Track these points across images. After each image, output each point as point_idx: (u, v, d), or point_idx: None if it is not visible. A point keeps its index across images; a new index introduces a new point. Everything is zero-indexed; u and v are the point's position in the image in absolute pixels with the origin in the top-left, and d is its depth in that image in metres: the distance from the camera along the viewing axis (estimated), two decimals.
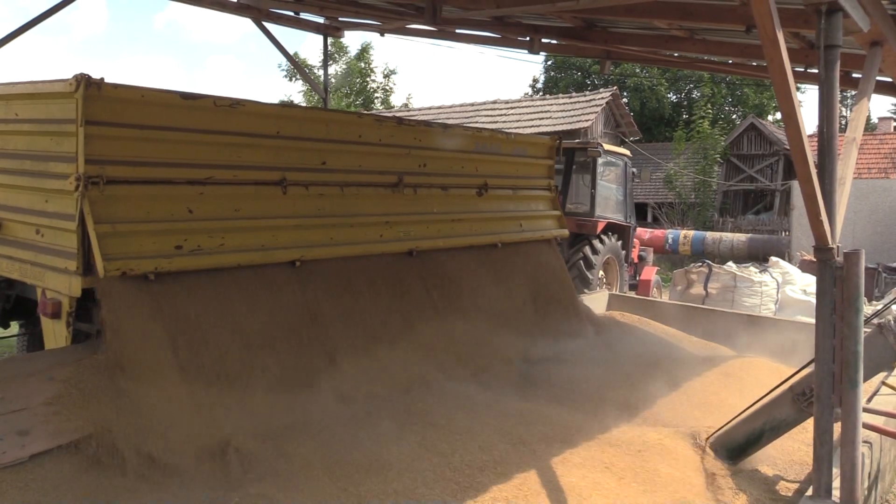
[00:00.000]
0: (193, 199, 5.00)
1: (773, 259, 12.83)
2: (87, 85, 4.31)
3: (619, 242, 11.97)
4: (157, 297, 4.65)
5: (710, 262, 12.33)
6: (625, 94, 32.59)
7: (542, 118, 21.64)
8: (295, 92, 36.29)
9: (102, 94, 4.41)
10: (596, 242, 11.30)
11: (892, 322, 4.33)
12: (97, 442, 3.96)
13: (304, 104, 28.48)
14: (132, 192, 4.68)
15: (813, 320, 3.84)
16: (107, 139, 4.51)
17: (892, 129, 26.89)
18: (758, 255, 15.38)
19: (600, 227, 11.50)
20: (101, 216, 4.45)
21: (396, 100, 36.60)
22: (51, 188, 4.68)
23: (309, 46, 57.84)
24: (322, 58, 10.92)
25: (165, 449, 3.99)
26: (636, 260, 13.36)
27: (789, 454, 4.77)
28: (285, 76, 37.76)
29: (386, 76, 35.80)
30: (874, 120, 30.77)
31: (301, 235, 5.65)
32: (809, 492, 3.82)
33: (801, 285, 11.69)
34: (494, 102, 24.41)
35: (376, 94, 35.19)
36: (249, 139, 5.33)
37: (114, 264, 4.44)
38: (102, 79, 4.40)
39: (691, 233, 19.31)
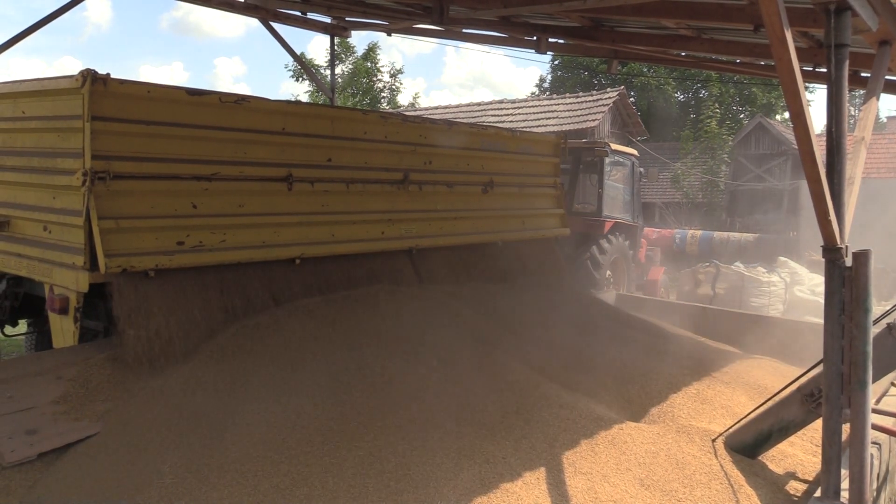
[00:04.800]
0: (198, 195, 5.02)
1: (782, 259, 12.79)
2: (93, 81, 4.33)
3: (627, 242, 11.94)
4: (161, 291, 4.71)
5: (717, 263, 12.30)
6: (632, 93, 32.51)
7: (549, 118, 21.59)
8: (302, 92, 36.23)
9: (109, 90, 4.43)
10: (603, 242, 11.27)
11: None
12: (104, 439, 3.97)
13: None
14: (138, 188, 4.70)
15: (821, 321, 3.82)
16: (113, 135, 4.54)
17: None
18: (766, 255, 15.31)
19: (608, 226, 11.47)
20: (105, 212, 4.47)
21: (403, 99, 36.60)
22: (58, 184, 4.71)
23: (315, 46, 57.85)
24: (329, 58, 10.92)
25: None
26: (643, 260, 13.33)
27: (798, 455, 4.74)
28: (292, 76, 37.84)
29: (392, 76, 35.78)
30: (883, 119, 30.63)
31: (303, 232, 5.66)
32: (818, 493, 3.79)
33: (810, 285, 11.65)
34: (501, 102, 24.39)
35: (383, 94, 35.17)
36: (255, 135, 5.35)
37: (115, 261, 4.46)
38: (108, 74, 4.43)
39: (699, 233, 19.22)
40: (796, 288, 11.73)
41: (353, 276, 6.05)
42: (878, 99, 4.47)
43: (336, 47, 11.36)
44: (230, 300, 5.12)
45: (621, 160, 12.38)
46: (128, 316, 4.61)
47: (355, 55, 34.51)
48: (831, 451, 3.69)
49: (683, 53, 7.80)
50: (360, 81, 33.99)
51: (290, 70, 36.44)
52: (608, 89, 23.53)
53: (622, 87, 23.77)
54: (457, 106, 25.40)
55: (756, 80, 30.82)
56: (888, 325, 4.34)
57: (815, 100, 30.62)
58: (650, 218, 25.98)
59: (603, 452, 4.32)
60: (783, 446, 4.66)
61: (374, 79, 34.93)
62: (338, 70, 32.39)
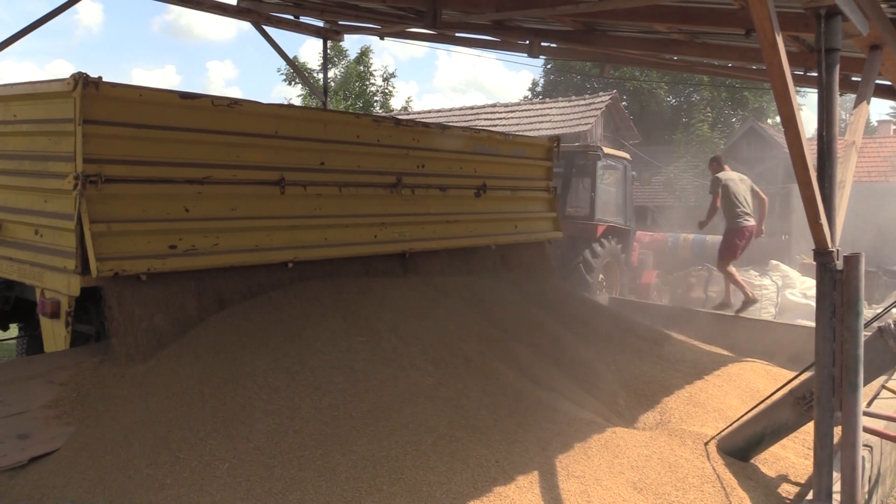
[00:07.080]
0: (190, 199, 5.00)
1: (774, 262, 12.83)
2: (84, 84, 4.31)
3: (620, 246, 11.97)
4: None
5: (710, 266, 12.33)
6: (624, 97, 32.62)
7: (542, 122, 21.64)
8: (294, 96, 36.06)
9: (100, 94, 4.42)
10: (596, 246, 11.30)
11: (893, 325, 4.32)
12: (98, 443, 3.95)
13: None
14: (129, 191, 4.69)
15: (813, 324, 3.83)
16: (105, 138, 4.53)
17: (891, 133, 26.90)
18: (758, 259, 15.36)
19: (600, 230, 11.50)
20: (97, 215, 4.46)
21: (396, 103, 36.58)
22: (49, 188, 4.69)
23: (308, 50, 57.78)
24: (321, 61, 10.92)
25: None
26: (636, 263, 13.36)
27: (790, 457, 4.76)
28: (284, 80, 37.71)
29: (385, 79, 35.74)
30: (873, 123, 30.79)
31: (296, 236, 5.66)
32: (810, 495, 3.81)
33: (801, 288, 11.70)
34: (494, 106, 24.43)
35: (376, 98, 35.13)
36: (248, 139, 5.34)
37: (107, 265, 4.44)
38: (100, 78, 4.41)
39: (691, 236, 19.25)
40: (788, 291, 11.77)
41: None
42: (868, 103, 4.50)
43: (329, 51, 11.35)
44: (223, 303, 5.11)
45: (614, 164, 12.42)
46: (119, 320, 4.59)
47: (348, 59, 34.46)
48: (823, 453, 3.70)
49: (675, 57, 7.83)
50: (352, 85, 33.93)
51: (282, 73, 36.42)
52: (600, 93, 23.61)
53: (615, 91, 23.89)
54: (450, 109, 25.44)
55: (747, 84, 30.99)
56: (879, 328, 4.37)
57: (807, 104, 30.80)
58: (643, 221, 26.05)
59: (596, 456, 4.32)
60: (775, 449, 4.68)
61: (367, 82, 34.88)
62: (330, 73, 32.39)
